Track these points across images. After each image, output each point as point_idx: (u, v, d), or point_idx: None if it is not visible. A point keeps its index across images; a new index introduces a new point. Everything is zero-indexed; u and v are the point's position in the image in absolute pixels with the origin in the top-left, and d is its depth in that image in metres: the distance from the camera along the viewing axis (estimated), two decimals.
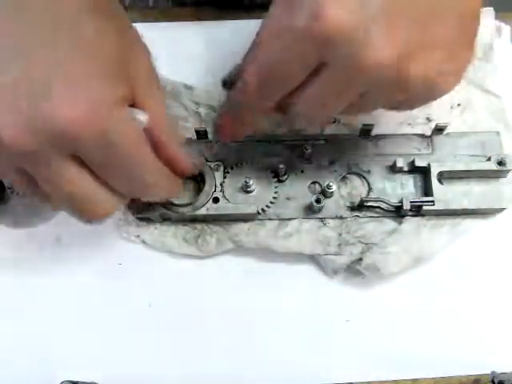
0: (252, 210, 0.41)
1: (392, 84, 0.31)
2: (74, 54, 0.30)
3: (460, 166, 0.42)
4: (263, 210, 0.42)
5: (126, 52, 0.32)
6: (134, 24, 0.35)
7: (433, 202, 0.41)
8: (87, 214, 0.33)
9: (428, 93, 0.33)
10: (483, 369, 0.38)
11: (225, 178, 0.43)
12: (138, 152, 0.32)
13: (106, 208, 0.34)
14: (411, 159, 0.42)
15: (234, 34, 0.49)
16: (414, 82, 0.31)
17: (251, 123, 0.37)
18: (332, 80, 0.31)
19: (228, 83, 0.40)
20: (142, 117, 0.33)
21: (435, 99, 0.35)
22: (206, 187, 0.42)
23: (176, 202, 0.41)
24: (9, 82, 0.29)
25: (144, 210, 0.42)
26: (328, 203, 0.42)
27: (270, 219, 0.42)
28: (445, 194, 0.41)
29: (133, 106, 0.33)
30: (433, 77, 0.32)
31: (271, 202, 0.42)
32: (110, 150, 0.31)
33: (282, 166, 0.42)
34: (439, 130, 0.43)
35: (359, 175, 0.43)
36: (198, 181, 0.43)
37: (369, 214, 0.42)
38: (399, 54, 0.30)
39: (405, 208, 0.41)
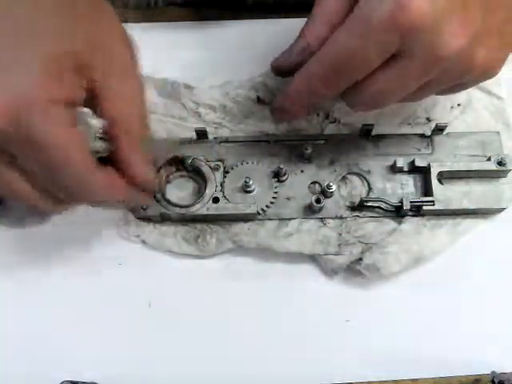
0: (252, 210, 0.41)
1: (458, 70, 0.33)
2: (9, 43, 0.29)
3: (460, 166, 0.42)
4: (263, 210, 0.42)
5: (92, 46, 0.32)
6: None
7: (433, 202, 0.41)
8: (36, 210, 0.34)
9: (481, 78, 0.35)
10: (483, 369, 0.38)
11: (225, 177, 0.43)
12: (68, 157, 0.31)
13: (48, 209, 0.34)
14: (411, 159, 0.42)
15: (235, 35, 0.49)
16: (476, 68, 0.33)
17: (313, 106, 0.37)
18: (409, 67, 0.32)
19: (279, 69, 0.39)
20: (95, 121, 0.32)
21: (480, 83, 0.37)
22: (206, 187, 0.42)
23: (176, 202, 0.41)
24: None
25: (144, 210, 0.42)
26: (328, 203, 0.42)
27: (269, 219, 0.42)
28: (445, 194, 0.41)
29: (93, 100, 0.32)
30: (490, 62, 0.33)
31: (271, 202, 0.42)
32: (37, 151, 0.29)
33: (281, 165, 0.42)
34: (439, 129, 0.43)
35: (359, 175, 0.43)
36: (198, 181, 0.43)
37: (369, 213, 0.42)
38: (470, 41, 0.31)
39: (405, 208, 0.41)
